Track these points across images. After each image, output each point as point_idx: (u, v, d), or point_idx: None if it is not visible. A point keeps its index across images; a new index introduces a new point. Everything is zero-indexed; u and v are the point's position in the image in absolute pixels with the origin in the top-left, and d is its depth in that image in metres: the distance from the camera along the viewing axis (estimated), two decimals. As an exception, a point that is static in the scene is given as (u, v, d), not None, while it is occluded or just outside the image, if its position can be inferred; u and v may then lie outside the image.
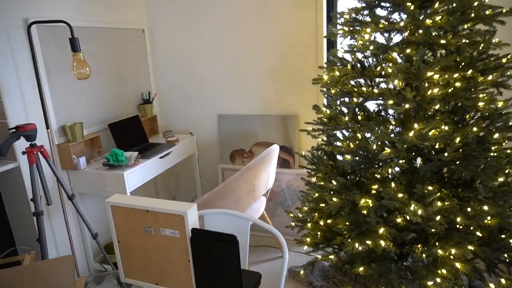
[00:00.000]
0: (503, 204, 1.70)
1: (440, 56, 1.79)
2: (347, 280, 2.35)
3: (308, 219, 2.17)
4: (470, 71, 1.69)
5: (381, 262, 1.87)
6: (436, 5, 1.68)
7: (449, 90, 1.66)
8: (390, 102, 1.72)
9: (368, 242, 1.77)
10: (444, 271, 1.70)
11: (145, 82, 3.21)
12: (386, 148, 1.75)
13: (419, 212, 1.63)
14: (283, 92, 2.94)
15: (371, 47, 1.80)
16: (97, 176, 2.36)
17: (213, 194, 2.19)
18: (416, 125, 1.71)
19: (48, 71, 2.28)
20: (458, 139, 1.69)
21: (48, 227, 2.34)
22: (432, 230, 1.77)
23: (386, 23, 1.79)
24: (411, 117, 1.86)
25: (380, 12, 1.86)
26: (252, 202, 2.44)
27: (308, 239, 2.12)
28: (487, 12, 1.67)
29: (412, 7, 1.68)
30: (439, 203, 1.65)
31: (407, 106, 1.69)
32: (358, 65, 1.96)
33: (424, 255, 1.76)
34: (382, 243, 1.73)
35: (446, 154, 1.69)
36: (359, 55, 2.00)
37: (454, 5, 1.66)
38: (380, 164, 1.89)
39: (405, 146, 1.70)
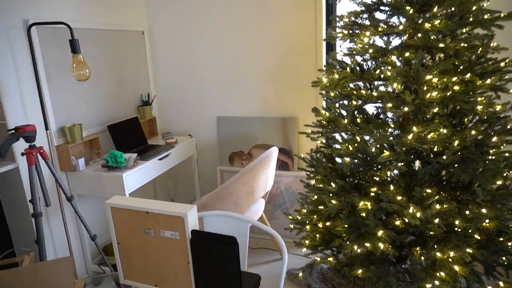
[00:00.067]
0: (501, 207, 1.70)
1: (438, 60, 1.80)
2: (345, 282, 2.35)
3: (307, 221, 2.18)
4: (468, 75, 1.70)
5: (380, 264, 1.88)
6: (435, 9, 1.69)
7: (448, 94, 1.67)
8: (389, 105, 1.72)
9: (367, 244, 1.77)
10: (442, 273, 1.70)
11: (144, 83, 3.21)
12: (385, 151, 1.75)
13: (418, 214, 1.63)
14: (282, 94, 2.95)
15: (370, 50, 1.81)
16: (96, 177, 2.36)
17: (212, 196, 2.19)
18: (415, 128, 1.71)
19: (48, 73, 2.28)
20: (456, 142, 1.69)
21: (46, 229, 2.33)
22: (431, 232, 1.77)
23: (385, 26, 1.81)
24: (410, 120, 1.87)
25: (379, 15, 1.87)
26: (251, 204, 2.44)
27: (306, 242, 2.12)
28: (485, 17, 1.68)
29: (411, 11, 1.69)
30: (437, 206, 1.65)
31: (406, 109, 1.70)
32: (357, 68, 1.97)
33: (422, 258, 1.76)
34: (381, 245, 1.74)
35: (444, 157, 1.70)
36: (359, 58, 2.01)
37: (453, 9, 1.67)
38: (379, 166, 1.90)
39: (404, 149, 1.71)
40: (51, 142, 2.29)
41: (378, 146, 1.82)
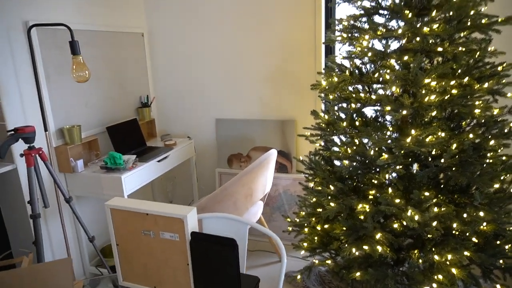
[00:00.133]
0: (499, 211, 1.71)
1: (437, 64, 1.81)
2: (343, 285, 2.35)
3: (305, 224, 2.18)
4: (466, 79, 1.71)
5: (378, 267, 1.88)
6: (434, 13, 1.71)
7: (446, 97, 1.68)
8: (388, 108, 1.73)
9: (365, 247, 1.77)
10: (440, 276, 1.71)
11: (143, 85, 3.22)
12: (383, 154, 1.76)
13: (416, 217, 1.64)
14: (281, 96, 2.95)
15: (369, 54, 1.82)
16: (95, 179, 2.36)
17: (211, 198, 2.19)
18: (413, 131, 1.72)
19: (47, 74, 2.28)
20: (454, 146, 1.70)
21: (44, 230, 2.33)
22: (429, 235, 1.78)
23: (384, 30, 1.82)
24: (408, 123, 1.88)
25: (378, 19, 1.88)
26: (249, 207, 2.44)
27: (305, 244, 2.13)
28: (483, 21, 1.70)
29: (409, 15, 1.70)
30: (435, 209, 1.66)
31: (404, 112, 1.71)
32: (356, 71, 1.99)
33: (420, 261, 1.77)
34: (379, 248, 1.74)
35: (442, 160, 1.71)
36: (357, 62, 2.02)
37: (451, 13, 1.69)
38: (378, 169, 1.90)
39: (402, 152, 1.72)
40: (50, 143, 2.29)
41: (376, 149, 1.83)
